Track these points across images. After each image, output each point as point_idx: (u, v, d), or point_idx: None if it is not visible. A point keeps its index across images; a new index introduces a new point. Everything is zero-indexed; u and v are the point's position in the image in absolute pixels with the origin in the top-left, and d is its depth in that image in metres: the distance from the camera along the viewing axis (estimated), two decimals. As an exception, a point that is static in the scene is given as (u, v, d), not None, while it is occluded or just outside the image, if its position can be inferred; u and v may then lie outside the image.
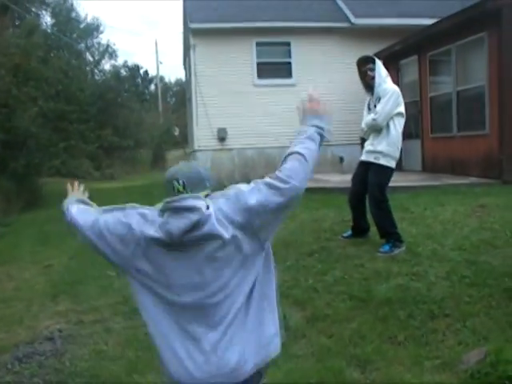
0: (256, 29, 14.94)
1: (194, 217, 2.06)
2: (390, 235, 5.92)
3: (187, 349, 2.20)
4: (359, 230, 6.45)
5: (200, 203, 2.10)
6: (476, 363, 3.39)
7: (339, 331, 4.09)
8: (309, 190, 6.84)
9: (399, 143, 6.06)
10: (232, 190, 2.28)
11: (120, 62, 46.87)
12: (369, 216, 6.30)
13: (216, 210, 2.15)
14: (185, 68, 20.22)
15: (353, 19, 15.14)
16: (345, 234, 6.55)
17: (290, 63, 15.26)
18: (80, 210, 2.61)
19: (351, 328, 4.14)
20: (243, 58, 15.07)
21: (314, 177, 12.41)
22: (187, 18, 15.70)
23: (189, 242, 2.11)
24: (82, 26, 38.64)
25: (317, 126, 2.60)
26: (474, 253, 5.60)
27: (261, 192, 2.22)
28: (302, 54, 15.18)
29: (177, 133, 36.07)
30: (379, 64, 6.05)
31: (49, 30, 31.79)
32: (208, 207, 2.13)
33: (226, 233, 2.12)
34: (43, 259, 7.60)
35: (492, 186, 9.45)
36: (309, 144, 2.49)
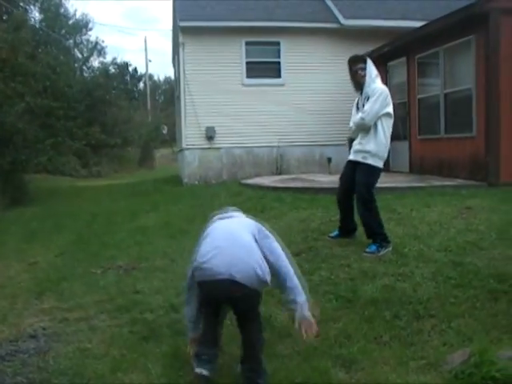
0: (245, 28, 14.96)
1: None
2: (377, 235, 5.94)
3: None
4: (346, 230, 6.46)
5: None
6: (460, 364, 3.40)
7: (325, 331, 4.08)
8: (297, 190, 6.86)
9: (387, 143, 6.08)
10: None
11: (109, 59, 46.79)
12: (356, 216, 6.32)
13: None
14: (174, 66, 20.17)
15: (342, 20, 15.19)
16: (332, 234, 6.55)
17: (278, 63, 15.27)
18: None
19: (337, 328, 4.15)
20: (232, 57, 15.07)
21: (301, 176, 12.41)
22: (177, 16, 15.67)
23: None
24: (70, 22, 38.49)
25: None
26: (460, 254, 5.63)
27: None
28: (291, 54, 15.22)
29: (165, 131, 36.01)
30: (370, 64, 6.07)
31: (37, 26, 31.59)
32: None
33: None
34: (28, 256, 7.54)
35: (478, 188, 9.51)
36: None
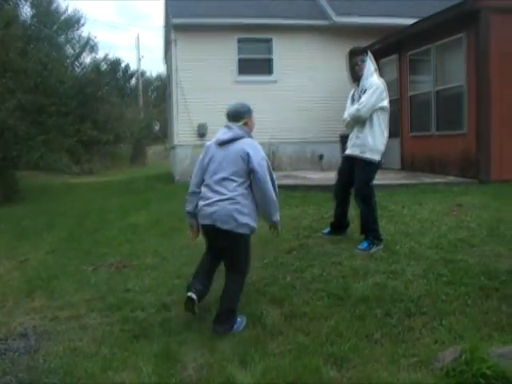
0: (238, 25, 14.92)
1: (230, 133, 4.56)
2: (371, 232, 5.95)
3: None
4: (339, 226, 6.47)
5: (234, 126, 4.60)
6: (451, 361, 3.41)
7: (316, 329, 4.09)
8: (288, 188, 6.89)
9: (384, 137, 6.09)
10: (253, 149, 4.46)
11: (101, 55, 46.55)
12: (350, 213, 6.34)
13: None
14: (166, 63, 20.11)
15: (334, 17, 15.18)
16: (324, 231, 6.56)
17: (271, 60, 15.26)
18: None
19: (328, 326, 4.14)
20: (224, 54, 15.04)
21: (292, 174, 12.38)
22: (169, 12, 15.62)
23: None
24: (62, 17, 38.23)
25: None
26: (451, 251, 5.66)
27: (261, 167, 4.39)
28: (284, 50, 15.20)
29: (157, 128, 35.89)
30: (370, 57, 6.09)
31: (28, 21, 31.36)
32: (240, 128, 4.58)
33: None
34: (19, 254, 7.50)
35: (469, 185, 9.55)
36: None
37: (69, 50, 38.71)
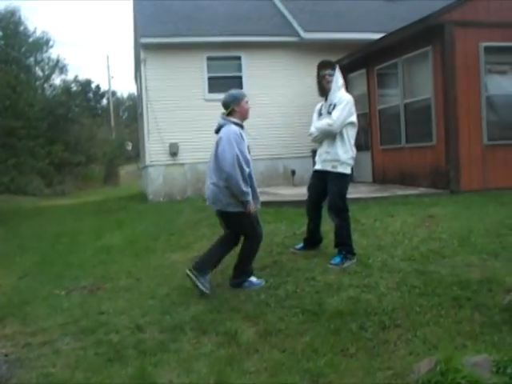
0: (206, 43, 14.97)
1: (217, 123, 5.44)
2: (344, 246, 5.97)
3: None
4: (312, 241, 6.49)
5: (220, 116, 5.54)
6: (427, 372, 3.41)
7: (292, 345, 4.08)
8: (261, 204, 6.82)
9: (353, 151, 6.15)
10: (225, 133, 5.36)
11: (71, 76, 46.33)
12: (323, 228, 6.36)
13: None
14: (136, 82, 20.08)
15: (302, 34, 15.31)
16: (297, 247, 6.58)
17: (240, 77, 15.30)
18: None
19: (304, 342, 4.13)
20: (194, 72, 15.04)
21: (265, 190, 12.36)
22: (138, 32, 15.62)
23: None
24: (30, 39, 38.04)
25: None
26: (424, 263, 5.71)
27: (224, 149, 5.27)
28: (253, 68, 15.26)
29: (130, 148, 35.73)
30: (338, 72, 6.15)
31: (-5, 44, 31.17)
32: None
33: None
34: (-10, 280, 7.37)
35: (440, 195, 9.66)
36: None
37: (38, 72, 38.47)
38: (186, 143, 14.84)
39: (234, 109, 5.50)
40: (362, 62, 13.15)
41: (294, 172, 14.65)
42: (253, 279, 5.55)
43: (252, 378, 3.66)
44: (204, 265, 5.38)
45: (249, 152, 5.55)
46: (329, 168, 6.07)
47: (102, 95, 50.64)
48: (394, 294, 4.89)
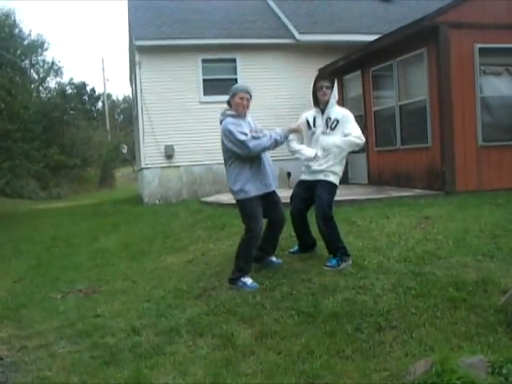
0: (201, 46, 14.98)
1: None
2: (338, 250, 5.97)
3: None
4: (306, 245, 6.49)
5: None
6: (422, 374, 3.42)
7: (288, 347, 4.08)
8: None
9: (344, 164, 6.25)
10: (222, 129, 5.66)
11: (66, 79, 46.27)
12: (314, 231, 6.35)
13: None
14: (131, 85, 20.06)
15: (297, 36, 15.33)
16: (292, 250, 6.58)
17: (235, 80, 15.29)
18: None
19: (299, 344, 4.13)
20: (189, 75, 15.05)
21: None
22: (133, 35, 15.60)
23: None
24: (25, 42, 37.99)
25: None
26: (419, 264, 5.71)
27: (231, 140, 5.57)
28: (248, 70, 15.25)
29: (125, 150, 35.70)
30: (336, 87, 6.22)
31: (-10, 47, 31.08)
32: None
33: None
34: (-14, 284, 7.36)
35: (436, 197, 9.67)
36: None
37: (33, 75, 38.42)
38: (181, 146, 14.85)
39: (230, 102, 5.85)
40: (357, 63, 13.16)
41: (289, 174, 14.64)
42: (248, 281, 5.55)
43: (248, 380, 3.65)
44: (236, 268, 5.72)
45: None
46: (321, 177, 6.05)
47: (97, 98, 50.53)
48: (390, 296, 4.89)
